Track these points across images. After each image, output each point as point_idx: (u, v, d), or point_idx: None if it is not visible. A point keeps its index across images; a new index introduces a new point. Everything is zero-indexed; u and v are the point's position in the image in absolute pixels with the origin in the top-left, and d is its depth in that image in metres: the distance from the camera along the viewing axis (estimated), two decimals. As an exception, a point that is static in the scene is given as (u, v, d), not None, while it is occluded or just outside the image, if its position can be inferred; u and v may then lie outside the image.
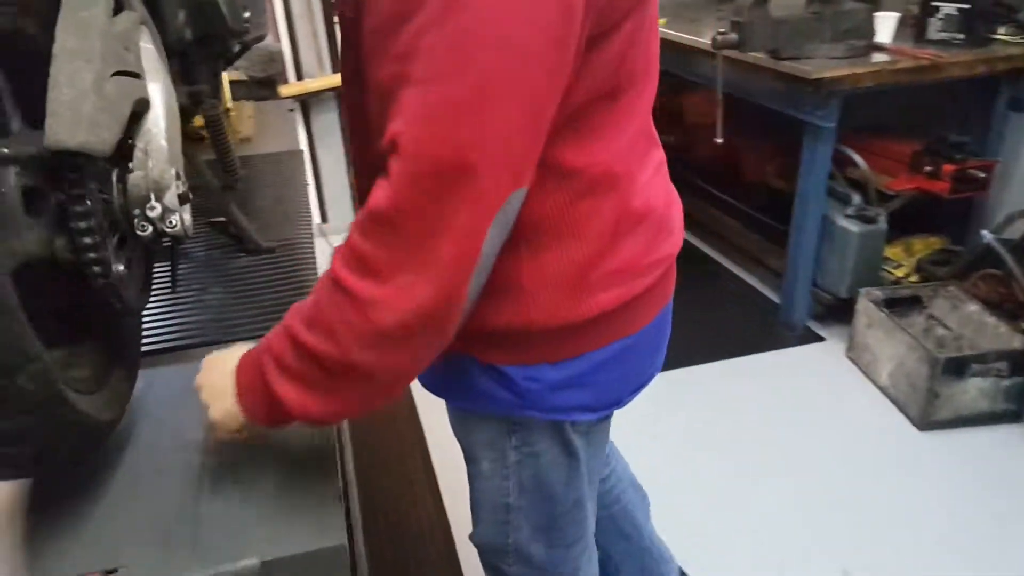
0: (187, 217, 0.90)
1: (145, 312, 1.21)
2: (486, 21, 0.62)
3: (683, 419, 2.31)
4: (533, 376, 0.89)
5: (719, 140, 2.33)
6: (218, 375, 0.85)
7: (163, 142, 0.89)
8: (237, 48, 1.45)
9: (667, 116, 3.38)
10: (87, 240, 0.76)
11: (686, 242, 3.37)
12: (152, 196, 0.85)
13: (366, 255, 0.69)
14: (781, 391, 2.42)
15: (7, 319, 0.65)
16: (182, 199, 0.88)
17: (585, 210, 0.81)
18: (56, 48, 0.77)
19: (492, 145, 0.65)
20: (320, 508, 0.84)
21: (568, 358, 0.89)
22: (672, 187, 0.98)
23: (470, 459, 1.04)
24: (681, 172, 3.45)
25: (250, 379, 0.82)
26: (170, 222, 0.86)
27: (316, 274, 1.40)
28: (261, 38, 1.66)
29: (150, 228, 0.85)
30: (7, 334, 0.65)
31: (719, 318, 2.83)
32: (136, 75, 0.87)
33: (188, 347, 1.15)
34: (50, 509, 0.84)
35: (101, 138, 0.73)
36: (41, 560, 0.77)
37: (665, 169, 0.96)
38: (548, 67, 0.67)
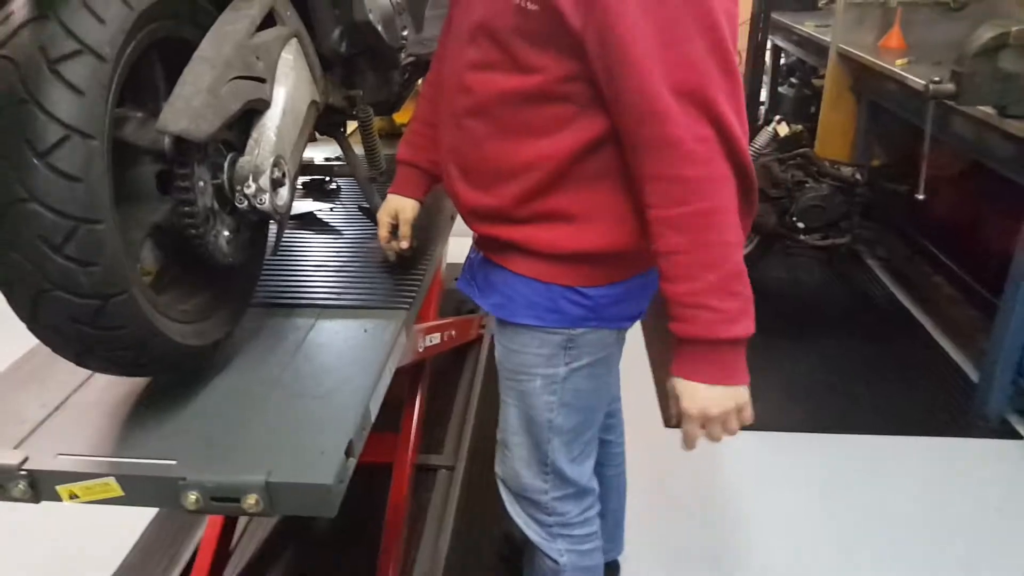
0: (280, 198, 1.11)
1: (273, 273, 1.47)
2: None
3: (839, 490, 2.14)
4: (607, 293, 1.13)
5: (920, 196, 2.13)
6: (697, 392, 1.01)
7: (272, 135, 1.10)
8: (410, 59, 1.67)
9: (901, 165, 3.10)
10: (186, 208, 1.00)
11: (889, 296, 3.07)
12: (250, 177, 1.06)
13: (690, 177, 0.92)
14: (957, 486, 2.14)
15: (118, 272, 0.89)
16: (275, 183, 1.09)
17: None
18: (195, 53, 1.00)
19: None
20: (327, 450, 0.99)
21: (634, 275, 1.13)
22: None
23: (520, 379, 1.23)
24: (904, 225, 3.17)
25: (714, 363, 0.99)
26: (260, 200, 1.07)
27: (432, 262, 1.57)
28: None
29: (245, 202, 1.07)
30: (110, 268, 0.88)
31: (904, 387, 2.57)
32: (261, 80, 1.09)
33: (303, 305, 1.37)
34: (134, 405, 1.09)
35: (199, 127, 0.95)
36: (115, 443, 1.02)
37: None
38: None
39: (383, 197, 1.63)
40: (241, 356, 1.22)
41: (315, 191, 1.94)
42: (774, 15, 3.96)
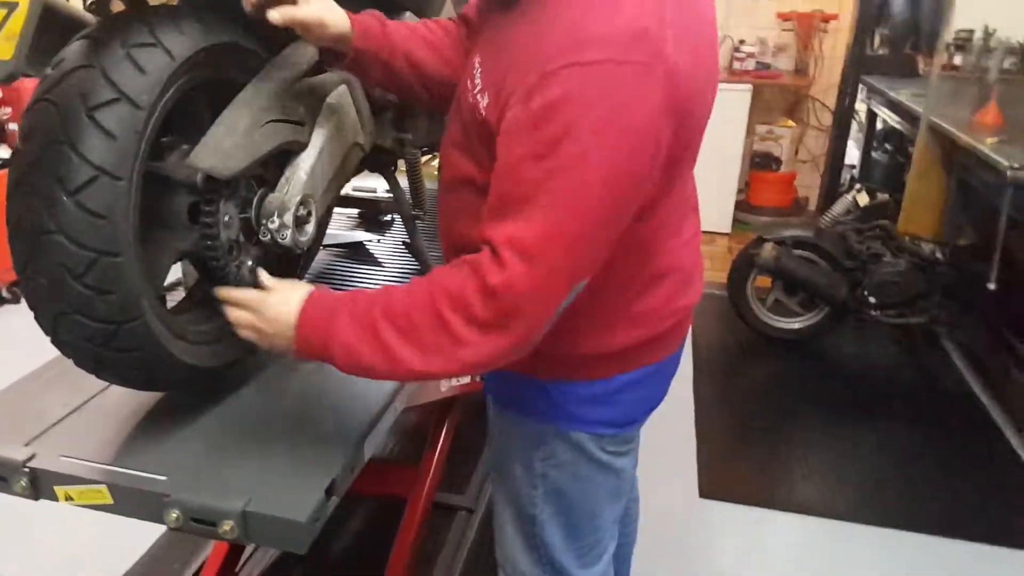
0: (303, 234, 1.15)
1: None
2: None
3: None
4: (567, 391, 1.08)
5: (991, 285, 2.01)
6: (280, 303, 0.98)
7: (304, 175, 1.15)
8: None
9: (990, 247, 2.93)
10: (208, 242, 1.05)
11: (963, 385, 2.84)
12: (276, 213, 1.11)
13: (475, 311, 0.87)
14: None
15: (132, 301, 0.95)
16: (299, 220, 1.13)
17: (617, 267, 0.98)
18: (238, 96, 1.06)
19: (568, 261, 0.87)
20: (307, 487, 1.01)
21: (598, 378, 1.08)
22: (699, 252, 1.15)
23: (502, 460, 1.20)
24: (987, 311, 2.97)
25: (317, 330, 0.94)
26: (282, 235, 1.11)
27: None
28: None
29: (269, 236, 1.12)
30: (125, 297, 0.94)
31: (971, 487, 2.40)
32: (299, 123, 1.14)
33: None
34: (145, 415, 1.15)
35: (227, 166, 1.00)
36: (116, 451, 1.07)
37: (699, 237, 1.15)
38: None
39: (426, 236, 1.67)
40: (256, 379, 1.26)
41: (370, 222, 2.00)
42: (871, 79, 3.84)
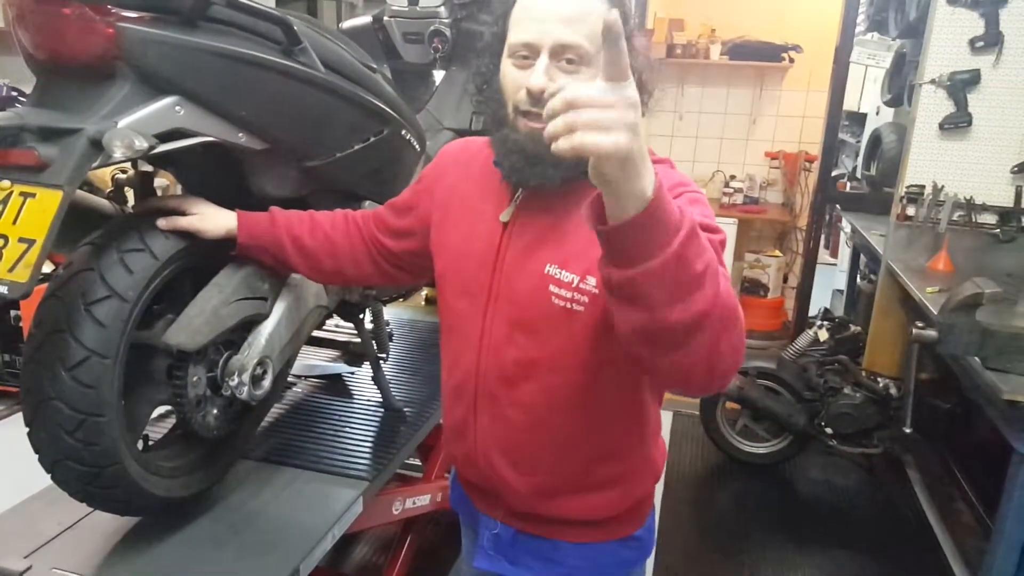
0: (259, 389, 1.42)
1: (279, 429, 1.77)
2: None
3: None
4: (648, 527, 1.34)
5: (907, 430, 2.19)
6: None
7: (263, 340, 1.43)
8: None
9: (948, 381, 3.09)
10: (178, 398, 1.32)
11: (918, 515, 2.94)
12: (236, 373, 1.39)
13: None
14: None
15: (113, 449, 1.20)
16: (255, 379, 1.40)
17: None
18: (213, 279, 1.36)
19: None
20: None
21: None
22: None
23: None
24: (944, 443, 3.09)
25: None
26: (240, 391, 1.39)
27: (420, 432, 1.85)
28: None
29: (230, 391, 1.39)
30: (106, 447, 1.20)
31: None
32: (263, 299, 1.44)
33: (290, 464, 1.66)
34: (125, 533, 1.39)
35: (194, 341, 1.28)
36: (99, 566, 1.32)
37: None
38: None
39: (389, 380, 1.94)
40: (221, 503, 1.50)
41: (353, 356, 2.28)
42: (851, 216, 4.10)
